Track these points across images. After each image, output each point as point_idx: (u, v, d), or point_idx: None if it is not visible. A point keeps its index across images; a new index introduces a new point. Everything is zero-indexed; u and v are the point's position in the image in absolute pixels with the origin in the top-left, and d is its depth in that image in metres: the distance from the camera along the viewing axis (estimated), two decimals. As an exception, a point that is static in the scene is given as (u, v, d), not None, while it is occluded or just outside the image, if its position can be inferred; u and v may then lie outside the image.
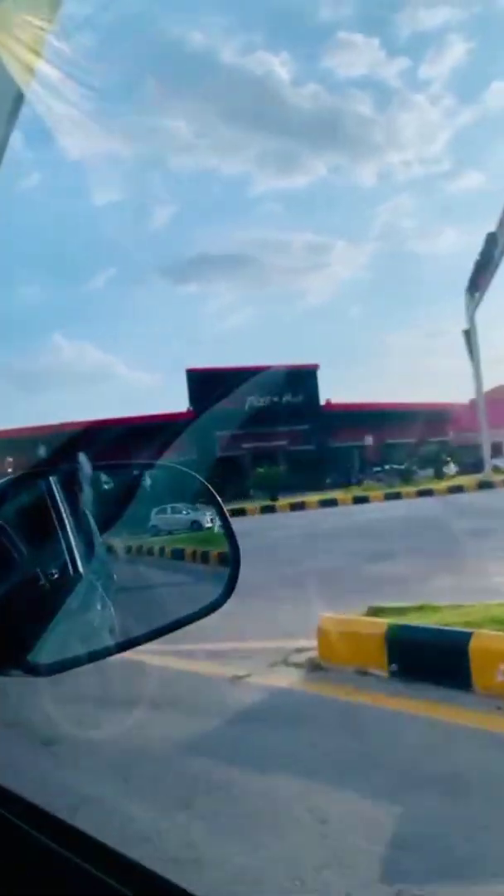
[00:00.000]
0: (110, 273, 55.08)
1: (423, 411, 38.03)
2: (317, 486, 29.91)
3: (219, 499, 1.20)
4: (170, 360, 54.77)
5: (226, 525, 1.19)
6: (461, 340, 32.14)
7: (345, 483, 29.62)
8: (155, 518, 1.57)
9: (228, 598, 1.11)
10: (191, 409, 35.22)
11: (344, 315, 54.96)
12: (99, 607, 1.17)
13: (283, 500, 24.38)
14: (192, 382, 35.41)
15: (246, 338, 51.73)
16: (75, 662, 0.98)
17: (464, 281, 31.13)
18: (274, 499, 25.36)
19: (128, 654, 5.01)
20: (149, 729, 4.05)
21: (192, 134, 53.87)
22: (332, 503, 22.57)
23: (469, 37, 60.97)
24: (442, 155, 61.73)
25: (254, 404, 35.97)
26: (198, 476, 1.27)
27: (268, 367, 35.20)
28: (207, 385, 34.57)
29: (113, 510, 1.30)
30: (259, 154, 57.84)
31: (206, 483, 1.23)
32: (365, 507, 21.46)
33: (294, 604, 7.08)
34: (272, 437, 34.96)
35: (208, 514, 1.31)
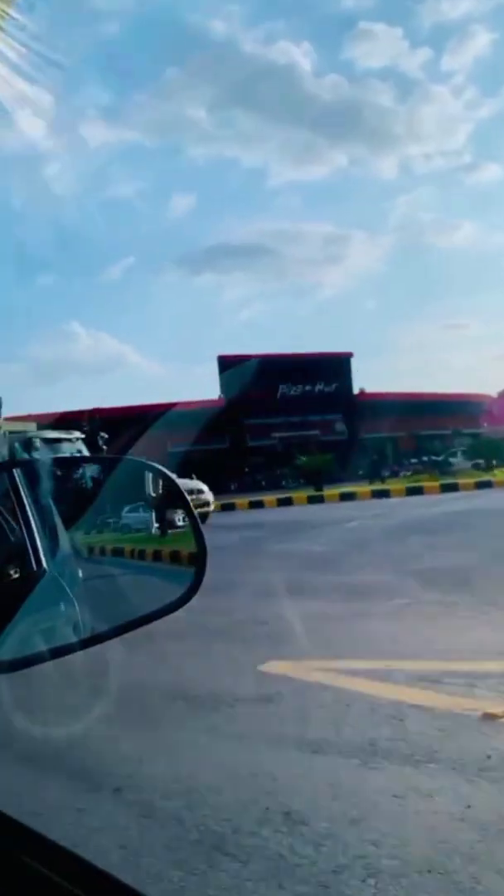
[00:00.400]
0: (128, 262, 54.27)
1: (458, 402, 36.85)
2: (350, 477, 28.71)
3: (187, 497, 1.17)
4: (184, 351, 54.15)
5: (193, 524, 1.15)
6: (478, 334, 30.90)
7: (377, 474, 28.44)
8: (126, 516, 1.42)
9: (194, 595, 1.08)
10: (221, 396, 34.15)
11: (360, 307, 54.12)
12: (62, 603, 1.14)
13: (331, 490, 23.02)
14: (223, 369, 34.30)
15: (261, 329, 50.92)
16: (38, 659, 0.95)
17: (482, 274, 29.86)
18: (319, 489, 24.05)
19: (306, 676, 4.32)
20: (432, 801, 2.76)
21: (213, 124, 52.85)
22: (384, 494, 21.18)
23: (493, 27, 59.62)
24: (463, 147, 60.59)
25: (285, 392, 34.90)
26: (167, 472, 1.25)
27: (301, 355, 34.06)
28: (239, 372, 33.54)
29: (80, 505, 1.28)
30: (279, 145, 57.05)
31: (174, 480, 1.22)
32: (421, 499, 19.66)
33: (465, 610, 5.77)
34: (304, 427, 33.84)
35: (180, 513, 1.23)
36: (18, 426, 19.63)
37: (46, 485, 1.17)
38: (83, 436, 20.34)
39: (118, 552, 1.34)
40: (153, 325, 53.26)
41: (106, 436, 21.11)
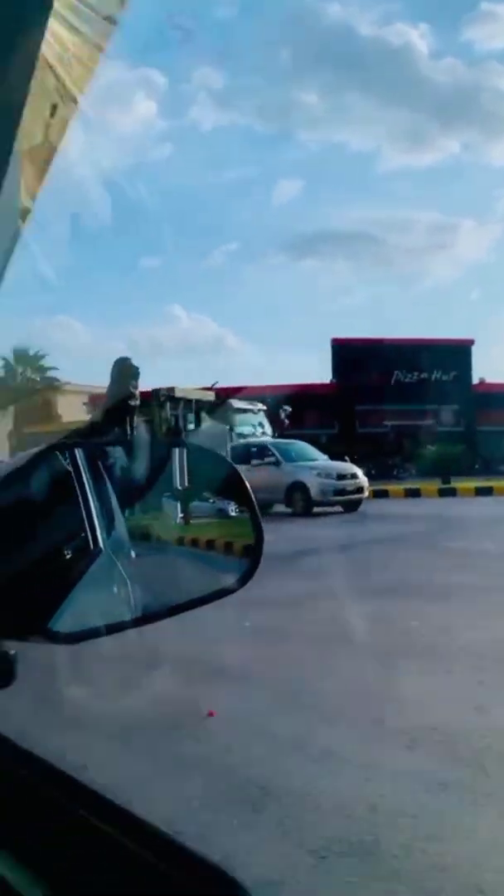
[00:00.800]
0: (231, 247, 54.58)
1: None
2: (463, 471, 27.53)
3: (248, 487, 1.14)
4: (283, 335, 54.01)
5: (253, 514, 1.14)
6: None
7: (490, 469, 27.04)
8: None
9: (246, 584, 1.09)
10: (334, 380, 33.71)
11: (465, 297, 51.66)
12: (116, 583, 1.17)
13: (463, 483, 21.82)
14: (336, 353, 33.79)
15: (363, 316, 49.67)
16: (93, 634, 0.99)
17: None
18: (447, 481, 23.00)
19: None
20: None
21: (324, 108, 51.58)
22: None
23: None
24: None
25: (400, 379, 33.89)
26: (229, 460, 1.40)
27: (419, 341, 32.94)
28: (353, 356, 32.94)
29: (139, 488, 1.28)
30: (390, 129, 54.86)
31: (237, 469, 1.22)
32: None
33: None
34: (417, 416, 32.74)
35: (233, 504, 1.31)
36: (199, 395, 19.79)
37: (105, 466, 1.20)
38: (265, 408, 20.32)
39: (146, 537, 1.36)
40: (253, 309, 53.45)
41: (289, 409, 20.83)
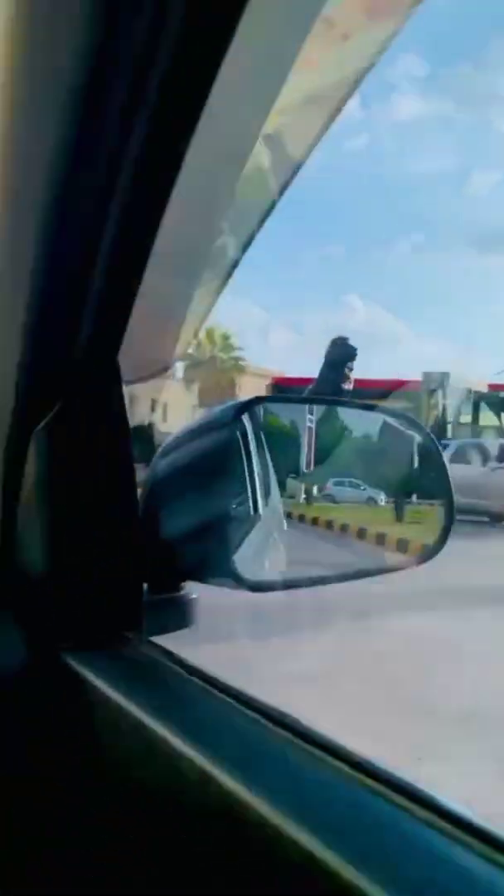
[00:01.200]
0: (417, 238, 52.39)
1: None
2: None
3: (447, 467, 1.05)
4: (458, 332, 50.98)
5: (447, 499, 1.05)
6: None
7: None
8: (332, 488, 1.45)
9: (423, 564, 1.04)
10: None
11: None
12: (274, 549, 1.18)
13: None
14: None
15: None
16: (272, 587, 1.01)
17: None
18: None
19: None
20: None
21: None
22: None
23: None
24: None
25: None
26: (424, 427, 1.15)
27: None
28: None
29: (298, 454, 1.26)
30: None
31: (432, 437, 1.10)
32: None
33: None
34: None
35: (382, 494, 1.34)
36: (476, 385, 19.40)
37: (271, 429, 1.19)
38: None
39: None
40: (434, 303, 50.88)
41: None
